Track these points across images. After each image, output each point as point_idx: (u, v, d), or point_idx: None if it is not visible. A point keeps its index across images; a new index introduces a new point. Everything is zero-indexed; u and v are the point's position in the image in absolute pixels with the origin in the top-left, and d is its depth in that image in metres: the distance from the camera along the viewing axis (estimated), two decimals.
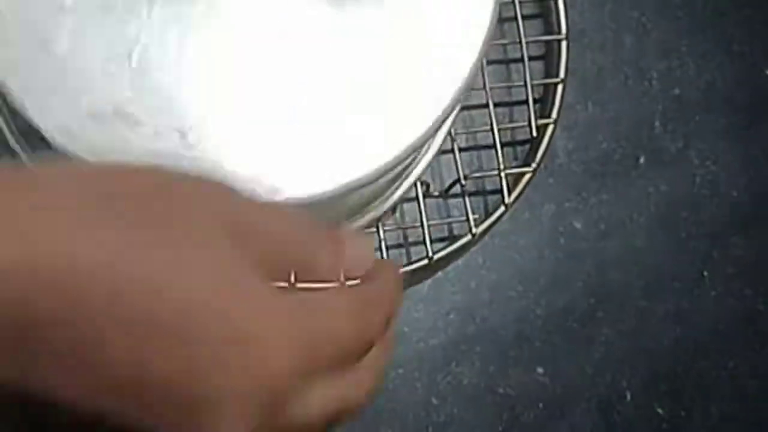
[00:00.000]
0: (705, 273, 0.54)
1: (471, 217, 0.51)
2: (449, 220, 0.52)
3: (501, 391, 0.52)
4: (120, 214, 0.27)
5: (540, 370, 0.52)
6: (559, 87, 0.52)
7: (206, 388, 0.26)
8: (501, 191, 0.51)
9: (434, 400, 0.51)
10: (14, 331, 0.26)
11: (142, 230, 0.27)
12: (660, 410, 0.53)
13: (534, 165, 0.52)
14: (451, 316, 0.52)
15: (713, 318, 0.54)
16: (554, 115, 0.52)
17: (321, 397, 0.29)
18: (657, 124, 0.55)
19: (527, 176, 0.52)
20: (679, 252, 0.54)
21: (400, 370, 0.51)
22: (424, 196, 0.50)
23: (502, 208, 0.51)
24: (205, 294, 0.26)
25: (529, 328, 0.52)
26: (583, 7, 0.55)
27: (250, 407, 0.27)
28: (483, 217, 0.51)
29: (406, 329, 0.51)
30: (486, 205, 0.52)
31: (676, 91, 0.55)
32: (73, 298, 0.26)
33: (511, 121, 0.53)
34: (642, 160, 0.54)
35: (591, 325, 0.53)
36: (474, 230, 0.51)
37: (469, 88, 0.39)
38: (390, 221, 0.51)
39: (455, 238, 0.51)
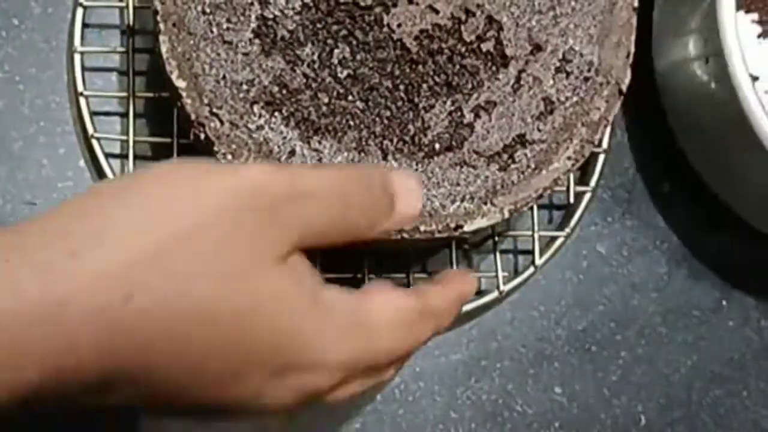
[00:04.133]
0: (724, 302, 0.55)
1: (500, 274, 0.51)
2: (477, 274, 0.52)
3: (519, 408, 0.52)
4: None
5: (558, 390, 0.53)
6: (601, 157, 0.53)
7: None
8: (532, 252, 0.52)
9: (453, 414, 0.52)
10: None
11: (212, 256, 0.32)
12: None
13: (567, 230, 0.52)
14: (474, 332, 0.52)
15: (730, 347, 0.55)
16: (592, 183, 0.53)
17: (349, 391, 0.37)
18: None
19: (559, 240, 0.52)
20: (699, 280, 0.55)
21: (421, 383, 0.52)
22: (456, 247, 0.51)
23: (531, 269, 0.52)
24: (285, 320, 0.34)
25: (549, 347, 0.53)
26: None
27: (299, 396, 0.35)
28: (512, 275, 0.52)
29: (429, 343, 0.52)
30: (516, 263, 0.53)
31: None
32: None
33: None
34: (667, 187, 0.55)
35: (610, 348, 0.53)
36: (502, 288, 0.51)
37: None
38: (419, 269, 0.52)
39: (482, 293, 0.51)
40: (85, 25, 0.50)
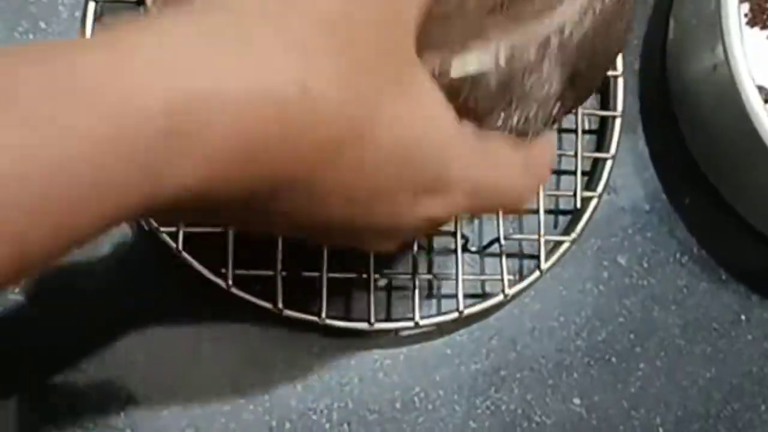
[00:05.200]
0: (743, 316, 0.55)
1: (506, 277, 0.51)
2: (483, 277, 0.53)
3: (537, 419, 0.52)
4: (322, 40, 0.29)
5: (577, 400, 0.53)
6: (608, 163, 0.53)
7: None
8: (538, 257, 0.52)
9: (472, 424, 0.51)
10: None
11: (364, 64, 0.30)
12: None
13: (573, 236, 0.52)
14: (494, 342, 0.52)
15: (748, 361, 0.54)
16: (599, 189, 0.53)
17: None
18: None
19: (565, 246, 0.52)
20: (719, 293, 0.55)
21: (441, 392, 0.51)
22: (462, 250, 0.51)
23: (537, 273, 0.52)
24: (437, 137, 0.33)
25: (568, 358, 0.53)
26: None
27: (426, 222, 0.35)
28: (517, 279, 0.52)
29: (448, 352, 0.52)
30: (521, 267, 0.53)
31: None
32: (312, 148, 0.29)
33: (557, 189, 0.54)
34: (688, 200, 0.55)
35: (629, 360, 0.53)
36: (507, 291, 0.51)
37: None
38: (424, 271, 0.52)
39: (487, 296, 0.52)
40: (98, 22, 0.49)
